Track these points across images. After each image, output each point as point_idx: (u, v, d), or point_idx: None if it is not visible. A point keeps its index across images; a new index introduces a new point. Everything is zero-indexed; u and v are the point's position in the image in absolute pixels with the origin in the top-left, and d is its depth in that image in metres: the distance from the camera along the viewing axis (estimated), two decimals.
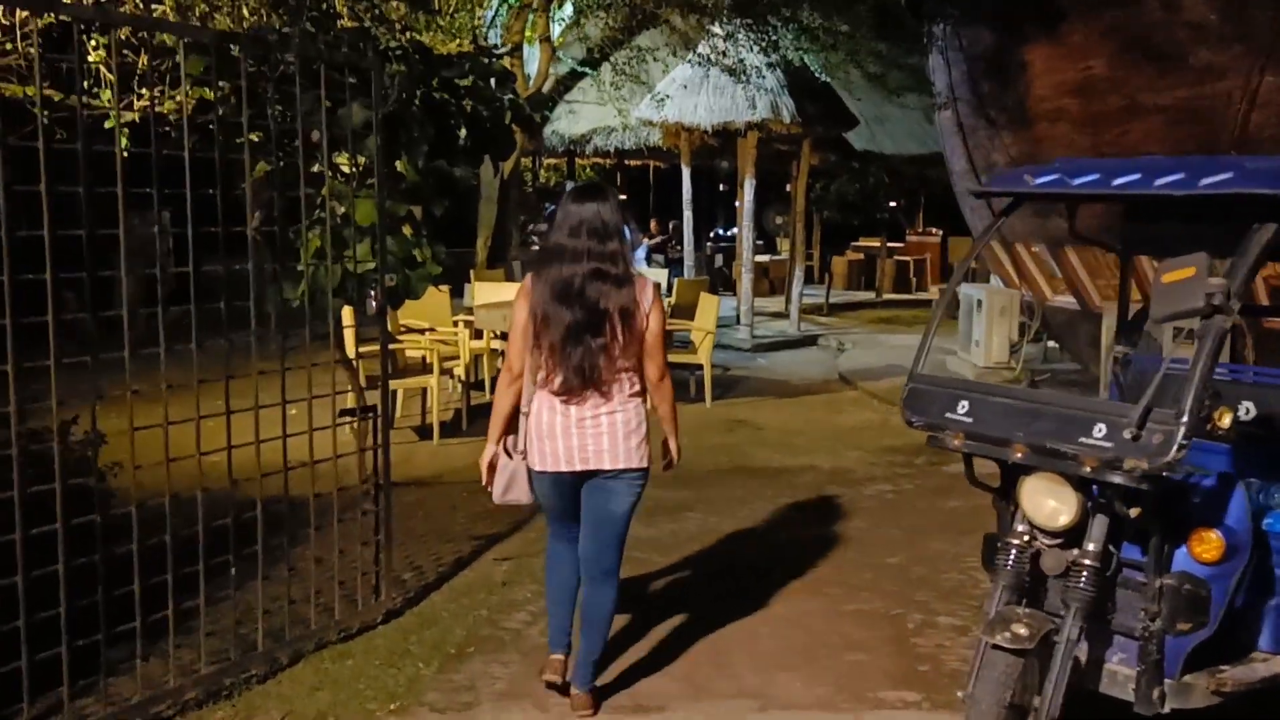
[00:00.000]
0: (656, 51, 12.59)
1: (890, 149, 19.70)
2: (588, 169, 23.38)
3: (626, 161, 21.69)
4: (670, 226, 19.42)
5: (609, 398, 3.81)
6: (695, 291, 12.61)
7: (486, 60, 6.82)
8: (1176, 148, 9.01)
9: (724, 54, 12.07)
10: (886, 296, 21.11)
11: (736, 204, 31.44)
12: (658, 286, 3.96)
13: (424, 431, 8.76)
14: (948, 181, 23.72)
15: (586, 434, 3.81)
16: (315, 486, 4.59)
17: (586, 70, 12.77)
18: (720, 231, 24.50)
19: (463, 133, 6.45)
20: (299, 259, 4.98)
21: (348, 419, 4.57)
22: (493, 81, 6.55)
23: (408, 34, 7.81)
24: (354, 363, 7.02)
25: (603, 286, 3.74)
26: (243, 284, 4.26)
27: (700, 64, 13.18)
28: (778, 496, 7.11)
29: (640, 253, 18.39)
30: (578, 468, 3.83)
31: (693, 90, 14.27)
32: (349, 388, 6.33)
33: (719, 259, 21.04)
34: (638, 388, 3.91)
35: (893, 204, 21.76)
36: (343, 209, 5.24)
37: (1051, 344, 12.61)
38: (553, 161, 22.51)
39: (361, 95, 5.13)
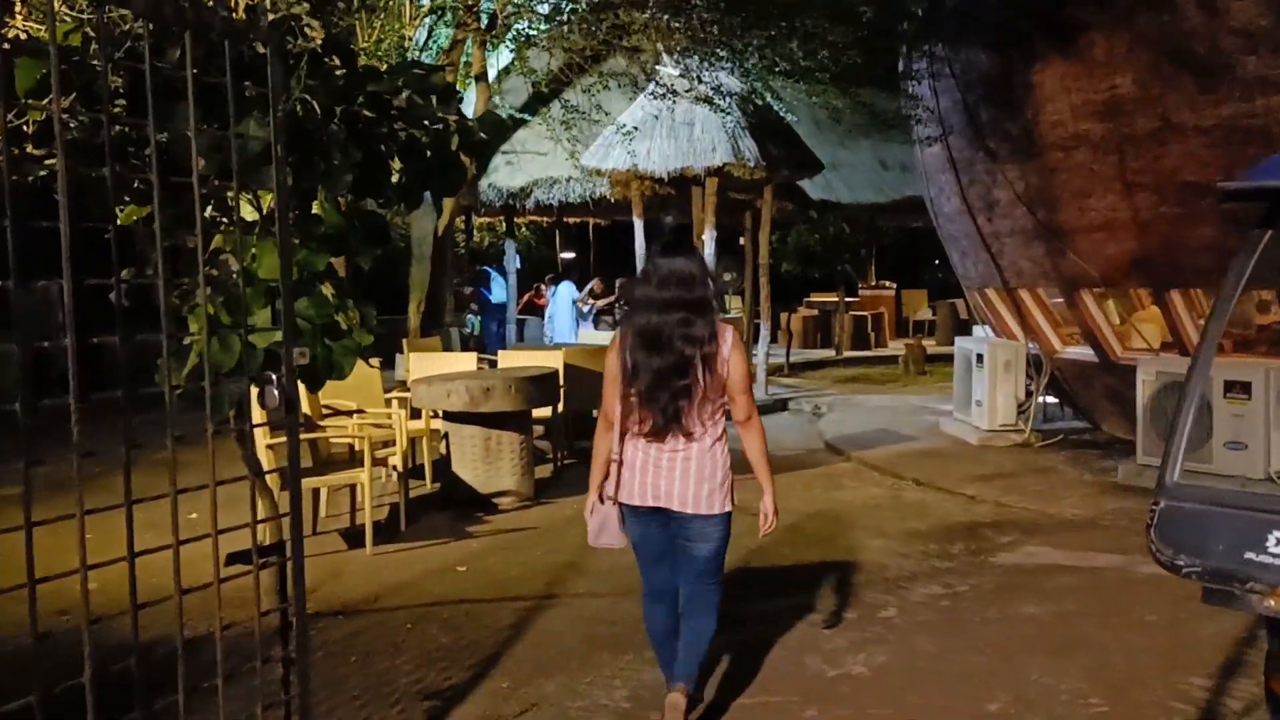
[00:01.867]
0: (606, 91, 11.25)
1: (847, 197, 18.57)
2: (522, 228, 21.99)
3: (565, 219, 20.30)
4: (617, 285, 18.00)
5: (691, 442, 3.91)
6: None
7: (423, 72, 5.33)
8: (1223, 173, 7.84)
9: (681, 91, 10.72)
10: (847, 354, 19.91)
11: None
12: (738, 332, 4.03)
13: (354, 536, 7.16)
14: (902, 231, 22.86)
15: (662, 473, 3.92)
16: (195, 625, 3.01)
17: (526, 117, 11.39)
18: None
19: (397, 164, 5.05)
20: (186, 327, 3.53)
21: (238, 566, 3.02)
22: (434, 99, 5.11)
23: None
24: (260, 460, 5.45)
25: (688, 333, 3.82)
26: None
27: (657, 99, 11.87)
28: (807, 609, 5.62)
29: (587, 309, 16.95)
30: (650, 504, 3.96)
31: (645, 135, 12.98)
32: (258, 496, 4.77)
33: None
34: (719, 433, 3.96)
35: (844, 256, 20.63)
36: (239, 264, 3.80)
37: (1050, 400, 11.38)
38: (485, 220, 21.06)
39: (262, 109, 3.69)
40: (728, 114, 11.74)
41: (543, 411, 9.16)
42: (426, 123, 5.05)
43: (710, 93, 10.35)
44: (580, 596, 5.95)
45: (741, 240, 17.95)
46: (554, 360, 9.71)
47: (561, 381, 9.25)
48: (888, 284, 23.84)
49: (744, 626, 5.34)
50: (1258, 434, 7.79)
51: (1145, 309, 10.62)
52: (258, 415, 5.66)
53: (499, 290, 18.67)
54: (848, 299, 21.04)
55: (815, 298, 22.63)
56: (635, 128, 11.69)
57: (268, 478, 5.38)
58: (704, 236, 13.69)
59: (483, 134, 5.72)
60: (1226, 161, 7.81)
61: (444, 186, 5.55)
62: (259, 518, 3.16)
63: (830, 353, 20.20)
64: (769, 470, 4.07)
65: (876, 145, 19.51)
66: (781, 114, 12.20)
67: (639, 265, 14.18)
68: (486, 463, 8.15)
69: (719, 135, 12.81)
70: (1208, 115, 7.80)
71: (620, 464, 4.01)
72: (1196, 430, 8.03)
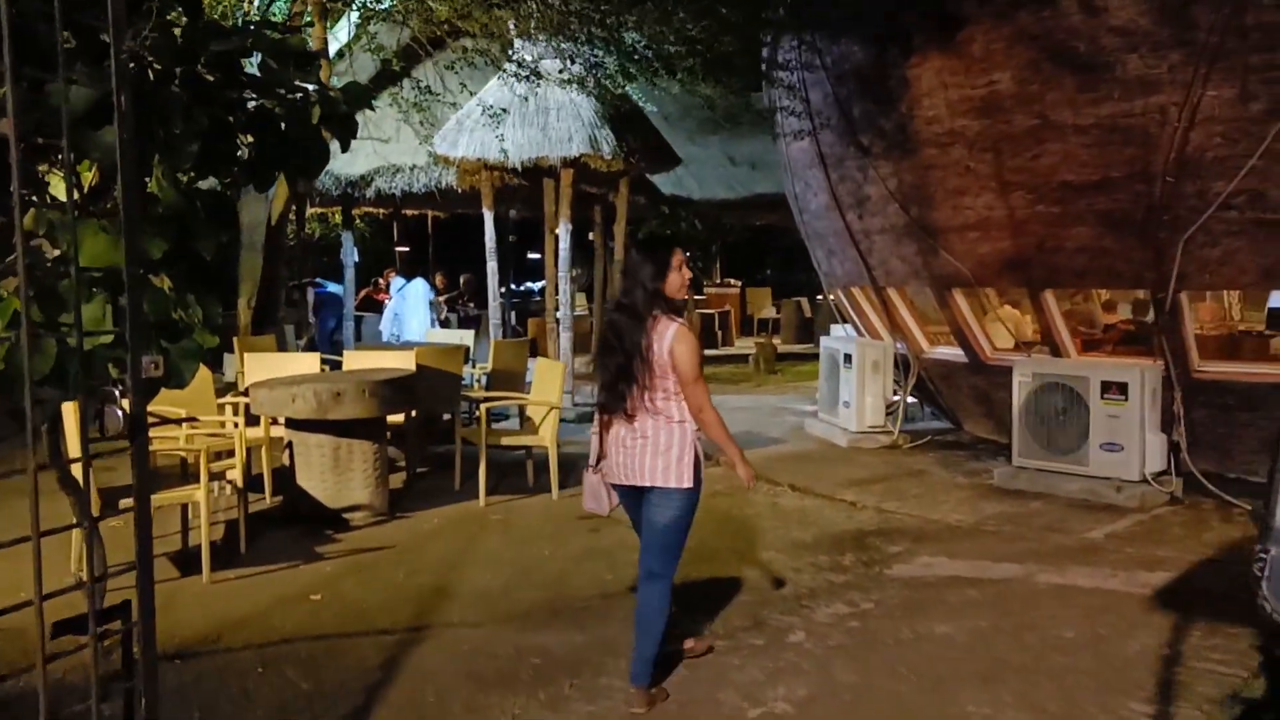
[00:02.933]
0: (456, 74, 10.52)
1: (697, 193, 18.28)
2: (357, 219, 20.90)
3: (404, 211, 19.36)
4: (461, 281, 17.26)
5: (650, 423, 4.21)
6: (518, 355, 10.60)
7: (279, 34, 4.63)
8: (1100, 173, 7.77)
9: (545, 74, 10.11)
10: None
11: (533, 255, 29.62)
12: (683, 324, 4.23)
13: (187, 561, 6.33)
14: (746, 229, 22.77)
15: (631, 453, 4.26)
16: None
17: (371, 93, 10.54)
18: (513, 285, 22.47)
19: (248, 138, 4.37)
20: None
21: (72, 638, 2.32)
22: (290, 65, 4.44)
23: None
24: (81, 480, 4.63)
25: (630, 324, 4.19)
26: None
27: (512, 84, 11.22)
28: (710, 635, 5.14)
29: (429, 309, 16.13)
30: (623, 481, 4.33)
31: (497, 122, 12.33)
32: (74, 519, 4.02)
33: (511, 316, 19.02)
34: (680, 415, 4.22)
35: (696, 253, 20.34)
36: (56, 250, 3.19)
37: (910, 399, 11.27)
38: (316, 211, 19.93)
39: (88, 60, 3.05)
40: (596, 98, 11.17)
41: (393, 416, 8.45)
42: (282, 91, 4.38)
43: (578, 75, 9.77)
44: (454, 626, 5.33)
45: (590, 236, 17.45)
46: (405, 361, 8.99)
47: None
48: (733, 282, 23.72)
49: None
50: (1133, 436, 7.74)
51: (998, 309, 10.60)
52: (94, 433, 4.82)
53: (331, 285, 17.69)
54: (695, 297, 20.80)
55: None
56: (503, 110, 11.01)
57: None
58: (558, 230, 13.14)
59: (347, 107, 5.04)
60: (1104, 161, 7.73)
61: (303, 166, 4.84)
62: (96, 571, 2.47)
63: None
64: (732, 443, 4.32)
65: (725, 141, 19.31)
66: (640, 104, 11.68)
67: (489, 260, 13.56)
68: (336, 474, 7.42)
69: (576, 125, 12.27)
70: (1086, 114, 7.69)
71: (605, 441, 4.39)
72: (1074, 432, 7.95)
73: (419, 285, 15.55)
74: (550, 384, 8.55)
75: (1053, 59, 7.71)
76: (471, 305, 17.14)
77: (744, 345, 21.73)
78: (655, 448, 4.19)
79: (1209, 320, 11.35)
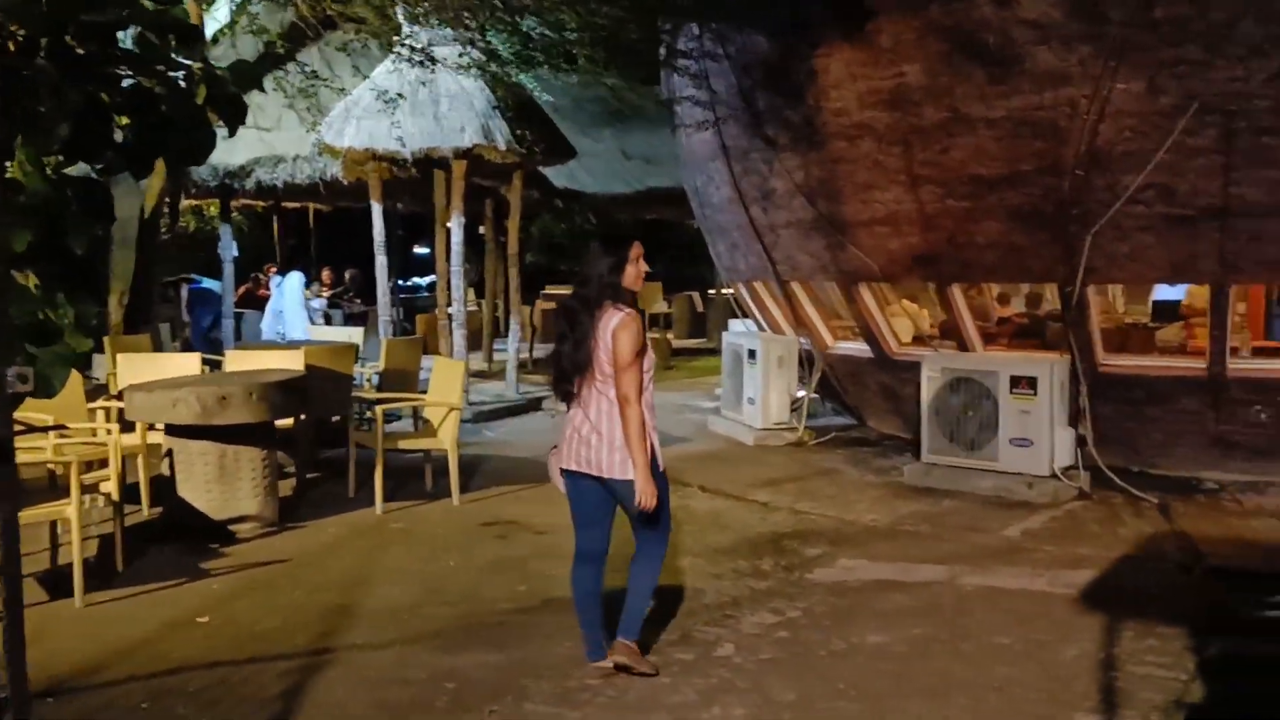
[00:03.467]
0: (344, 58, 10.01)
1: (590, 187, 17.95)
2: (234, 212, 20.02)
3: (283, 204, 18.59)
4: (346, 276, 16.63)
5: (600, 415, 4.29)
6: (412, 354, 10.17)
7: (158, 5, 4.17)
8: (1011, 167, 7.71)
9: (440, 60, 9.66)
10: None
11: (420, 249, 28.82)
12: (630, 313, 4.28)
13: (57, 583, 5.78)
14: (639, 223, 22.51)
15: (585, 441, 4.34)
16: None
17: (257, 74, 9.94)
18: (399, 281, 21.81)
19: (124, 119, 3.90)
20: None
21: None
22: (171, 40, 3.99)
23: None
24: None
25: (582, 313, 4.30)
26: None
27: (401, 70, 10.75)
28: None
29: (316, 303, 15.49)
30: (577, 469, 4.38)
31: (386, 111, 11.83)
32: None
33: (398, 313, 18.43)
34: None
35: None
36: None
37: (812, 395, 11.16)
38: (194, 202, 19.03)
39: None
40: (490, 87, 10.76)
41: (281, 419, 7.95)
42: (162, 69, 3.93)
43: (476, 62, 9.35)
44: (360, 649, 4.93)
45: (481, 229, 17.02)
46: (293, 360, 8.49)
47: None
48: None
49: (567, 676, 4.53)
50: (1043, 430, 7.71)
51: (895, 304, 10.57)
52: None
53: (208, 281, 16.88)
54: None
55: (553, 290, 21.96)
56: (400, 95, 10.51)
57: None
58: (450, 224, 12.69)
59: (235, 87, 4.59)
60: (1015, 155, 7.67)
61: (186, 152, 4.39)
62: None
63: None
64: (641, 449, 4.22)
65: (618, 135, 19.04)
66: (536, 94, 11.30)
67: (379, 254, 13.04)
68: (221, 484, 6.92)
69: (469, 115, 11.84)
70: (997, 107, 7.63)
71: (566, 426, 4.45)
72: (984, 428, 7.89)
73: (294, 280, 14.91)
74: (450, 384, 8.16)
75: (963, 51, 7.62)
76: (358, 302, 16.53)
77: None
78: (611, 442, 4.27)
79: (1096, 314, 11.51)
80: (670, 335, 19.76)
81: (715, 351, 19.71)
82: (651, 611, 5.41)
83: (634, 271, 4.35)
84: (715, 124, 9.79)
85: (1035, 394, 7.71)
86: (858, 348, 9.77)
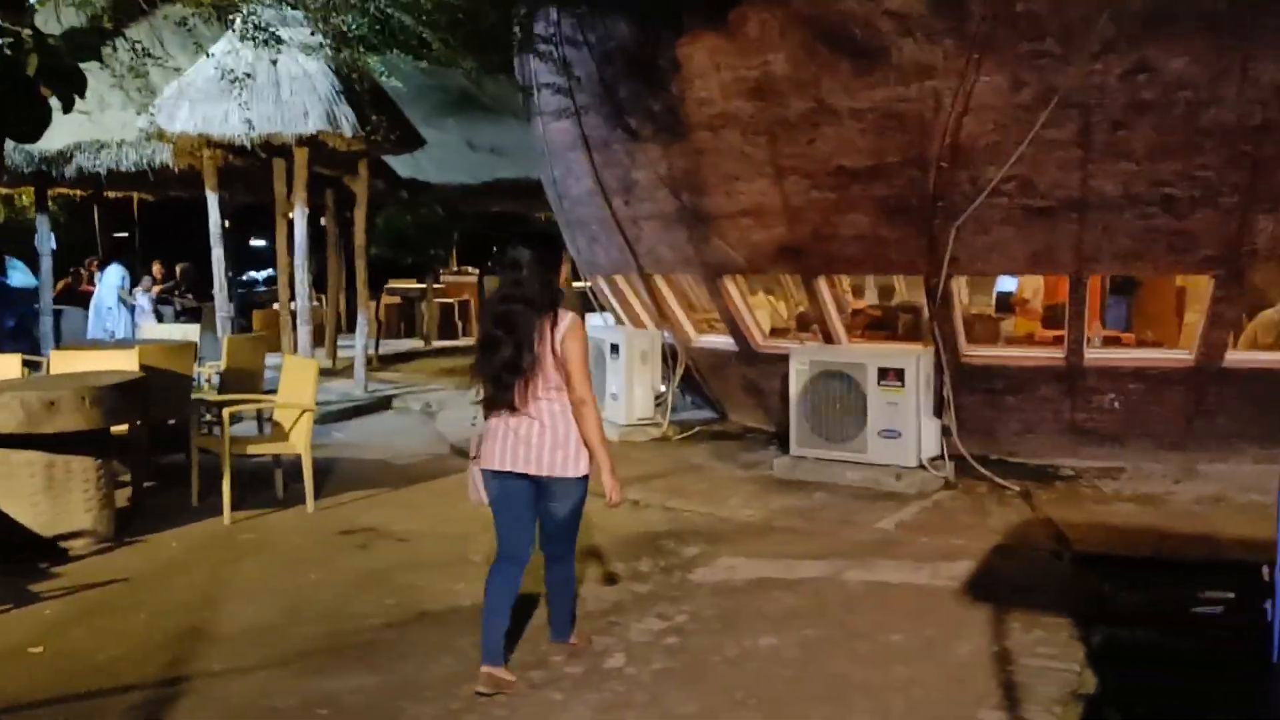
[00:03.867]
0: (179, 34, 9.33)
1: (436, 178, 17.44)
2: (53, 202, 18.70)
3: (106, 193, 17.43)
4: (178, 271, 15.70)
5: (539, 412, 4.26)
6: (255, 352, 9.62)
7: None
8: (876, 159, 7.72)
9: (283, 39, 9.10)
10: (436, 344, 18.85)
11: (256, 242, 27.51)
12: (575, 318, 4.31)
13: None
14: (482, 216, 22.05)
15: (520, 441, 4.27)
16: None
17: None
18: (232, 275, 20.75)
19: None
20: None
21: None
22: None
23: None
24: None
25: (524, 315, 4.22)
26: None
27: (235, 50, 10.12)
28: (516, 664, 4.57)
29: (143, 302, 14.57)
30: (509, 468, 4.30)
31: (222, 95, 11.17)
32: None
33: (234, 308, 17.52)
34: (566, 405, 4.29)
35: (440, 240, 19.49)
36: None
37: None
38: (6, 191, 17.68)
39: None
40: (335, 71, 10.22)
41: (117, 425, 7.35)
42: None
43: (327, 44, 8.84)
44: (218, 677, 4.51)
45: (322, 221, 16.31)
46: (126, 361, 7.87)
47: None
48: (470, 270, 22.98)
49: (451, 697, 4.23)
50: (911, 422, 7.75)
51: (749, 297, 10.53)
52: None
53: (20, 276, 15.67)
54: (435, 286, 19.98)
55: (396, 284, 21.33)
56: (247, 74, 9.85)
57: None
58: (292, 215, 12.09)
59: (71, 57, 4.16)
60: (880, 147, 7.67)
61: (18, 128, 3.95)
62: None
63: (418, 343, 19.06)
64: (604, 448, 4.34)
65: (463, 125, 18.56)
66: (384, 78, 10.76)
67: (215, 246, 12.34)
68: (50, 497, 6.32)
69: (311, 99, 11.31)
70: (862, 99, 7.61)
71: (488, 432, 4.37)
72: (852, 420, 7.88)
73: (111, 274, 13.96)
74: (302, 384, 7.68)
75: (829, 42, 7.57)
76: (190, 297, 15.63)
77: None
78: (555, 438, 4.26)
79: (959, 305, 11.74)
80: None
81: None
82: (530, 618, 5.16)
83: (565, 272, 4.51)
84: (576, 113, 9.53)
85: (903, 386, 7.74)
86: (722, 341, 9.69)
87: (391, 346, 18.26)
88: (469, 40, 8.79)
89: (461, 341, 19.59)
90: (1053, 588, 5.66)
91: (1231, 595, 5.17)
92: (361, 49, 9.13)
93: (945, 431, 8.06)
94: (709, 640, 4.89)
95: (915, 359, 7.78)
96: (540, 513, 4.42)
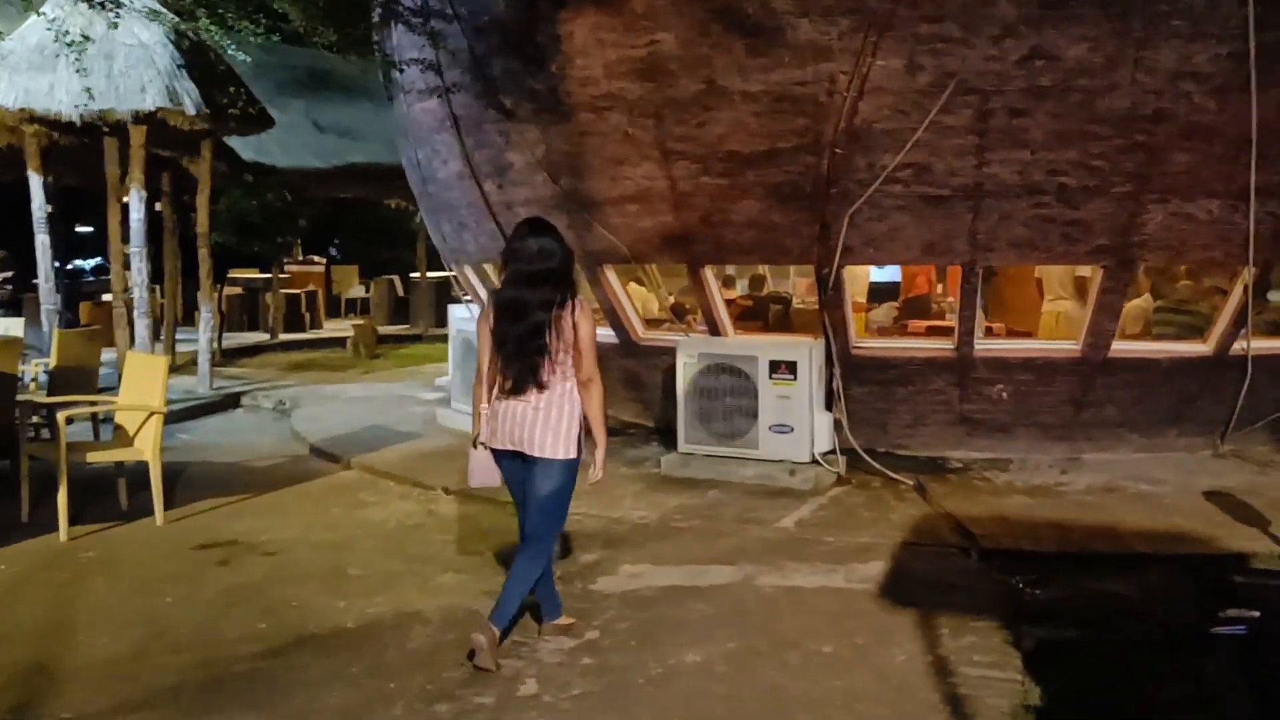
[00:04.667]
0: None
1: (282, 161, 16.49)
2: None
3: None
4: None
5: (543, 394, 4.37)
6: (90, 348, 8.76)
7: None
8: (769, 143, 7.45)
9: (116, 4, 8.26)
10: (283, 336, 17.89)
11: (82, 228, 25.64)
12: (584, 301, 4.42)
13: None
14: (328, 202, 21.09)
15: (519, 421, 4.39)
16: None
17: None
18: (58, 264, 19.27)
19: None
20: None
21: None
22: None
23: None
24: None
25: (540, 300, 4.33)
26: None
27: (60, 16, 9.19)
28: (416, 696, 4.09)
29: None
30: (509, 448, 4.45)
31: (46, 67, 10.18)
32: None
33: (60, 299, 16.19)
34: (569, 388, 4.41)
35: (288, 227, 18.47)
36: None
37: None
38: None
39: None
40: (174, 44, 9.38)
41: None
42: None
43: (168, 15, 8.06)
44: None
45: (158, 206, 15.20)
46: None
47: None
48: (317, 259, 21.97)
49: None
50: (803, 416, 7.51)
51: (624, 286, 10.18)
52: None
53: None
54: (281, 275, 18.96)
55: (238, 274, 20.19)
56: (86, 37, 8.88)
57: None
58: (129, 199, 11.14)
59: None
60: (774, 131, 7.40)
61: None
62: None
63: (263, 336, 18.07)
64: (604, 428, 4.51)
65: (310, 106, 17.68)
66: (229, 53, 9.95)
67: (39, 233, 11.30)
68: None
69: (150, 74, 10.41)
70: (756, 80, 7.31)
71: (488, 414, 4.49)
72: (743, 415, 7.60)
73: None
74: (148, 383, 6.94)
75: (721, 20, 7.25)
76: (9, 288, 14.38)
77: (335, 328, 20.16)
78: (547, 420, 4.36)
79: (810, 294, 11.62)
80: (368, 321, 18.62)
81: (422, 339, 18.83)
82: (428, 643, 4.68)
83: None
84: (445, 91, 8.97)
85: (795, 379, 7.50)
86: (600, 333, 9.27)
87: (235, 340, 17.28)
88: (329, 9, 8.14)
89: (310, 335, 18.69)
90: (969, 587, 5.47)
91: (1256, 614, 5.00)
92: (208, 19, 8.39)
93: (836, 425, 7.87)
94: (628, 658, 4.50)
95: (807, 350, 7.55)
96: (529, 493, 4.47)
